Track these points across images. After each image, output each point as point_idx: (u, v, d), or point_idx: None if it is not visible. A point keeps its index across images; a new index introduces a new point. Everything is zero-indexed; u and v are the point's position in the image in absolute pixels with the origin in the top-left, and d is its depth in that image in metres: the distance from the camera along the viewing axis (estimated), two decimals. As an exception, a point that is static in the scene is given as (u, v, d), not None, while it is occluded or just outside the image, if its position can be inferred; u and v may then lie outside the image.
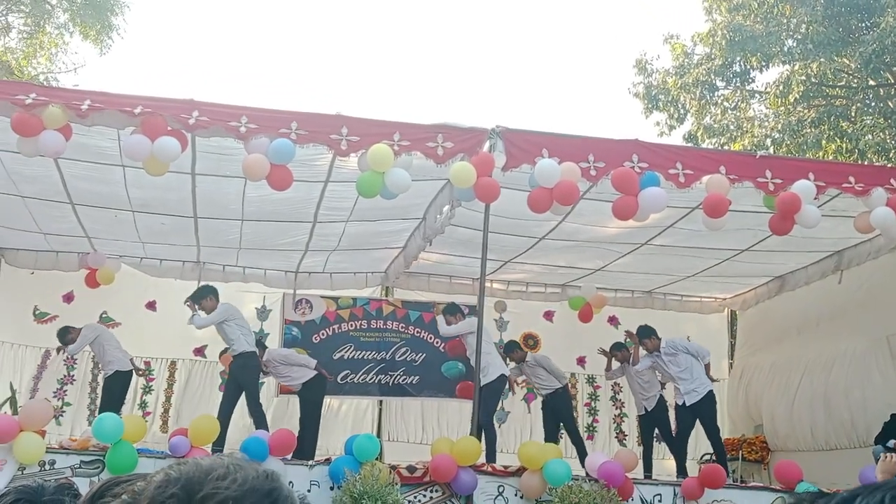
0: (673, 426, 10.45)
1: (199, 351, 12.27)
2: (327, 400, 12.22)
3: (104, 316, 11.59)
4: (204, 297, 9.67)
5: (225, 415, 9.21)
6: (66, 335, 10.51)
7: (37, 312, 11.86)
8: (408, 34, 50.06)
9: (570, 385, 11.23)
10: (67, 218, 9.97)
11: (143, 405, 12.09)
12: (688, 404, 9.86)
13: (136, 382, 12.00)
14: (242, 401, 9.53)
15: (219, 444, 8.59)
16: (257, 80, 46.20)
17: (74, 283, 11.54)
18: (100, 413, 8.91)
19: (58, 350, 10.91)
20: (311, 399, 10.34)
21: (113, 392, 10.43)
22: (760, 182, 7.87)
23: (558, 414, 10.80)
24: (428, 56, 50.65)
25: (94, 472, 7.41)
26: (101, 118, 7.14)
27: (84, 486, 6.44)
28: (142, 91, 7.91)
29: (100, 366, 11.09)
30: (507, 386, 10.39)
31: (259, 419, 9.45)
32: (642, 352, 10.42)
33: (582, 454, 10.00)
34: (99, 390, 11.23)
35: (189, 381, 12.24)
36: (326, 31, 49.83)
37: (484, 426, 9.21)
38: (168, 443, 8.22)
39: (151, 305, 12.08)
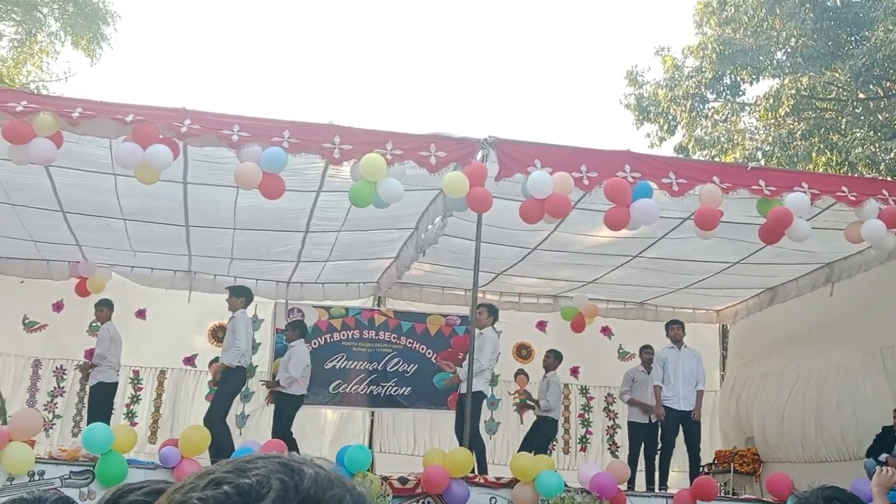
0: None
1: (190, 360, 12.21)
2: (319, 410, 12.20)
3: (93, 325, 11.52)
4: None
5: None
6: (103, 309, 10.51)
7: (26, 321, 11.78)
8: (401, 44, 50.23)
9: (563, 395, 11.32)
10: (58, 226, 9.92)
11: (130, 415, 12.00)
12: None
13: (125, 392, 11.93)
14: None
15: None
16: (249, 89, 46.23)
17: (64, 291, 11.47)
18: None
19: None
20: (286, 413, 10.26)
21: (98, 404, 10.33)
22: (755, 189, 7.89)
23: (542, 436, 10.91)
24: (421, 66, 50.84)
25: (83, 482, 7.33)
26: (93, 126, 7.10)
27: (74, 497, 6.37)
28: (133, 100, 7.85)
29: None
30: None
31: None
32: None
33: None
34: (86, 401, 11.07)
35: (178, 390, 12.17)
36: (319, 41, 49.93)
37: (473, 435, 9.27)
38: (158, 453, 8.15)
39: (141, 314, 12.01)
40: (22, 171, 7.98)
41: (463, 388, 9.56)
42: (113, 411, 10.48)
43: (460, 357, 11.27)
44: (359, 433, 12.34)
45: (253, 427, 11.58)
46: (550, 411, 10.90)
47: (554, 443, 11.27)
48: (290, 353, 10.41)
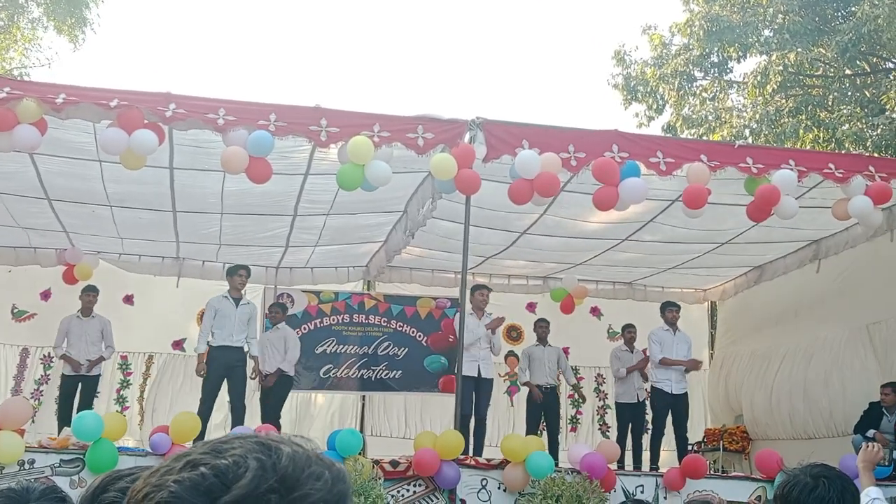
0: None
1: (178, 344, 12.17)
2: (309, 395, 12.20)
3: (78, 313, 11.44)
4: None
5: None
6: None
7: (15, 311, 11.73)
8: (387, 25, 49.91)
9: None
10: (44, 214, 9.85)
11: (121, 400, 11.98)
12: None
13: (114, 378, 11.91)
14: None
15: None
16: (235, 73, 45.92)
17: (52, 280, 11.40)
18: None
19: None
20: (280, 395, 10.28)
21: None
22: (742, 167, 7.89)
23: (549, 410, 10.86)
24: (408, 47, 50.58)
25: (73, 470, 7.32)
26: (77, 112, 7.05)
27: (64, 486, 6.36)
28: (117, 85, 7.79)
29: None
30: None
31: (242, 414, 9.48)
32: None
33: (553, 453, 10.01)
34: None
35: (167, 375, 12.14)
36: (305, 22, 49.60)
37: (481, 420, 9.60)
38: (148, 439, 8.14)
39: (128, 299, 11.98)
40: (5, 159, 7.92)
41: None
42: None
43: (451, 340, 11.29)
44: (350, 417, 12.35)
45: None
46: (548, 378, 10.85)
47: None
48: (282, 335, 10.44)
